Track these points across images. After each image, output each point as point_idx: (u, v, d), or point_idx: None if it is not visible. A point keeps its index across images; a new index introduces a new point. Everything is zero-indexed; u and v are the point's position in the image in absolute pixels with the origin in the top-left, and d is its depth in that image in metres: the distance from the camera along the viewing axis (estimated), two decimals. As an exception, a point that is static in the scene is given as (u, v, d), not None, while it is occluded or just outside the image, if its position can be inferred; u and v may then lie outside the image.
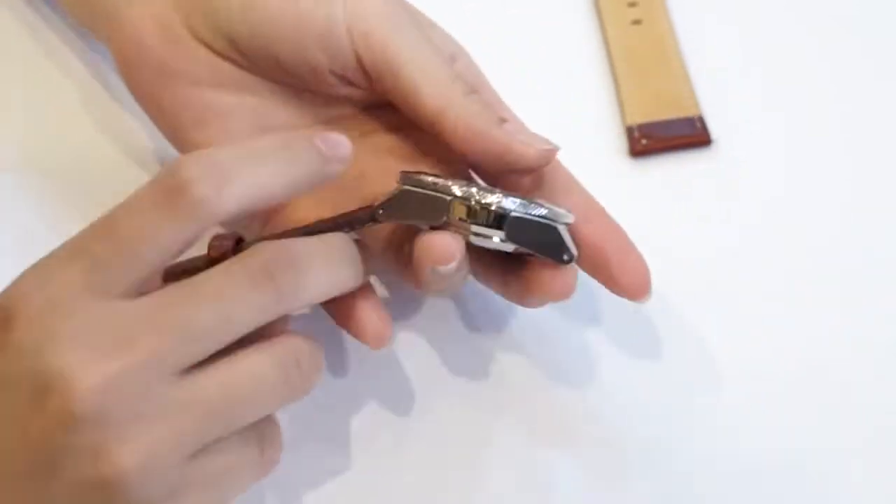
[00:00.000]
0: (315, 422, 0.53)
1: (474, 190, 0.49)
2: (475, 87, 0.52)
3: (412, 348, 0.55)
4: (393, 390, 0.54)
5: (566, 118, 0.61)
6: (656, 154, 0.60)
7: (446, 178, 0.50)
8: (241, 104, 0.54)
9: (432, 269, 0.49)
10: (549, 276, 0.50)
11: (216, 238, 0.50)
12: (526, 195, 0.50)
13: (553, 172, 0.52)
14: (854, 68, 0.63)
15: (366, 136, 0.54)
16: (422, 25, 0.53)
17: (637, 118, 0.61)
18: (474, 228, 0.49)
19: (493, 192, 0.49)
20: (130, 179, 0.48)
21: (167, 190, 0.45)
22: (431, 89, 0.51)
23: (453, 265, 0.48)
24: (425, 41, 0.52)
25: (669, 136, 0.60)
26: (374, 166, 0.53)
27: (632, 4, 0.65)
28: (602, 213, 0.52)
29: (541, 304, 0.52)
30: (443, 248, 0.48)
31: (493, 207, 0.48)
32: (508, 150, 0.50)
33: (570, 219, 0.50)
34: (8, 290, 0.46)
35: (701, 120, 0.60)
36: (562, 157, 0.58)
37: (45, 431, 0.44)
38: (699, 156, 0.60)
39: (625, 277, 0.51)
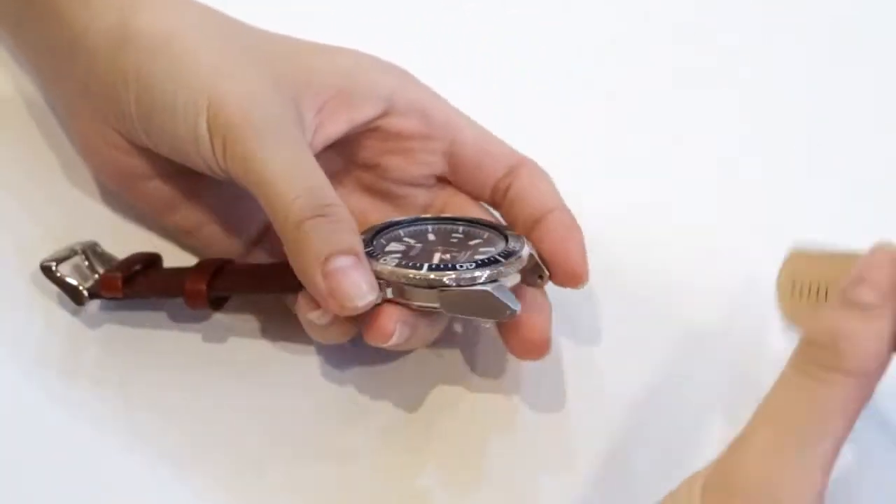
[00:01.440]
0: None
1: (410, 272, 0.49)
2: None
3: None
4: (397, 402, 0.55)
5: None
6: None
7: (406, 247, 0.51)
8: (207, 184, 0.55)
9: (378, 345, 0.50)
10: (518, 335, 0.51)
11: (203, 261, 0.54)
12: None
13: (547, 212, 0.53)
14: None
15: (334, 175, 0.54)
16: (289, 119, 0.52)
17: None
18: (415, 304, 0.50)
19: (435, 261, 0.50)
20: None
21: None
22: (276, 215, 0.50)
23: (394, 339, 0.50)
24: (283, 148, 0.51)
25: None
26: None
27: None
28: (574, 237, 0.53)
29: (527, 358, 0.52)
30: (377, 330, 0.50)
31: (423, 283, 0.49)
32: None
33: (525, 252, 0.51)
34: None
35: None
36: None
37: None
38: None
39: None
